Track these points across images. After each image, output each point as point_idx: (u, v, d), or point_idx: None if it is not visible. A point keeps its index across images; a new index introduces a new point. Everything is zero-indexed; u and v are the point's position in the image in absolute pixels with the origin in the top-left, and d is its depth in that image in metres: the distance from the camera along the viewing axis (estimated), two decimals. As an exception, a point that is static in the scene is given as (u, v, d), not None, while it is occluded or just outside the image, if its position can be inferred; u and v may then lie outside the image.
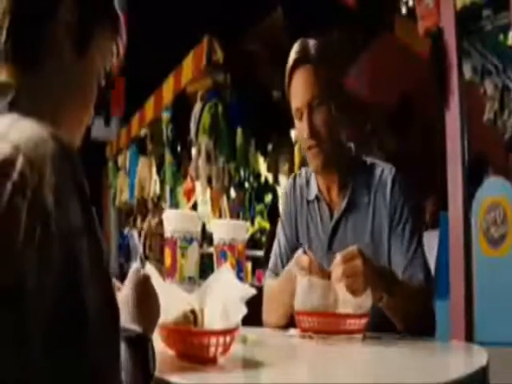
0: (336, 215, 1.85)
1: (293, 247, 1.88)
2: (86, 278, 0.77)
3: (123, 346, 0.94)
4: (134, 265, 1.22)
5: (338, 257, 1.55)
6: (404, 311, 1.66)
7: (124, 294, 1.10)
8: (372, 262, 1.59)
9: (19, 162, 0.76)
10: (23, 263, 0.73)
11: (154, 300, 1.14)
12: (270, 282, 1.93)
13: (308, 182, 1.95)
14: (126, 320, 1.03)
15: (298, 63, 1.77)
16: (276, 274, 1.92)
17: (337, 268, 1.53)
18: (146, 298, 1.12)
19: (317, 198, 1.90)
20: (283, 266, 1.89)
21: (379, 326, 1.65)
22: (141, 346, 1.00)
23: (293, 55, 1.79)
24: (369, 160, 1.92)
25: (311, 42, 1.80)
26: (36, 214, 0.74)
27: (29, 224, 0.74)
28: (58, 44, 0.96)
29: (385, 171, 1.85)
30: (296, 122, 1.82)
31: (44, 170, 0.76)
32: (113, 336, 0.81)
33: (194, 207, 6.34)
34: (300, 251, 1.66)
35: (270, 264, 1.98)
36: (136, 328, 1.02)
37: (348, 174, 1.87)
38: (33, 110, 0.89)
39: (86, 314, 0.76)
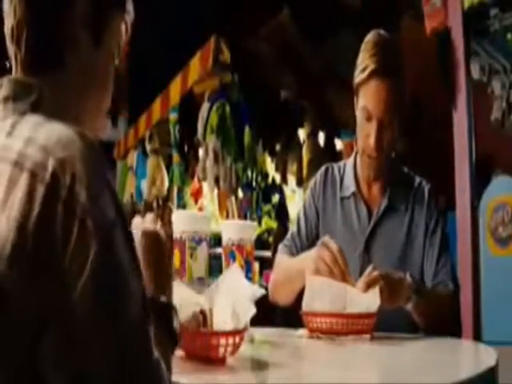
0: (376, 215, 1.90)
1: (309, 236, 1.96)
2: (125, 265, 0.79)
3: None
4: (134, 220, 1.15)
5: (361, 286, 1.60)
6: (431, 314, 1.72)
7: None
8: (393, 278, 1.65)
9: (50, 164, 0.78)
10: (63, 261, 0.75)
11: (167, 257, 1.11)
12: (285, 259, 1.98)
13: (342, 180, 1.98)
14: None
15: (376, 73, 1.80)
16: (290, 252, 1.97)
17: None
18: (158, 258, 1.08)
19: (353, 194, 1.94)
20: (298, 248, 1.95)
21: (393, 327, 1.67)
22: (166, 314, 1.00)
23: (372, 64, 1.81)
24: (405, 169, 2.01)
25: (390, 49, 1.84)
26: (72, 212, 0.76)
27: (66, 222, 0.76)
28: (76, 38, 0.97)
29: (422, 182, 1.96)
30: (361, 119, 1.86)
31: (75, 168, 0.78)
32: (146, 316, 0.82)
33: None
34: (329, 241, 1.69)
35: (286, 240, 2.03)
36: (159, 297, 1.02)
37: (389, 175, 1.95)
38: (57, 103, 0.91)
39: (128, 299, 0.78)
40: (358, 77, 1.83)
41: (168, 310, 1.01)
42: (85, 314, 0.75)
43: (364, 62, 1.82)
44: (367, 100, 1.82)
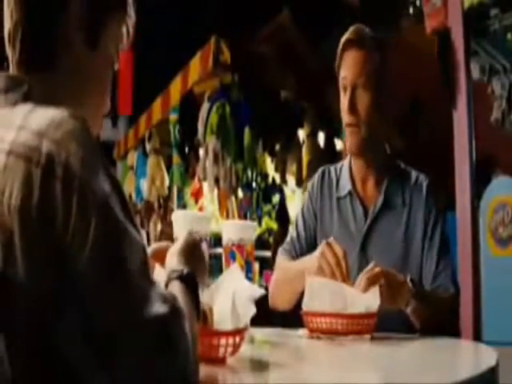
0: (372, 213, 1.88)
1: (308, 239, 1.96)
2: (124, 231, 0.82)
3: (177, 283, 1.01)
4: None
5: (363, 280, 1.59)
6: (430, 318, 1.71)
7: (177, 245, 1.16)
8: (395, 278, 1.63)
9: (44, 146, 0.80)
10: (65, 238, 0.77)
11: (204, 260, 1.20)
12: (285, 262, 1.97)
13: (338, 181, 1.97)
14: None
15: (352, 43, 1.83)
16: (290, 256, 1.96)
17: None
18: (197, 255, 1.17)
19: (349, 193, 1.92)
20: (297, 251, 1.95)
21: (391, 329, 1.67)
22: (192, 282, 1.04)
23: (348, 34, 1.85)
24: (402, 164, 1.97)
25: (367, 29, 1.87)
26: (70, 186, 0.78)
27: (65, 198, 0.78)
28: (71, 40, 0.98)
29: (420, 177, 1.91)
30: (341, 95, 1.87)
31: (70, 146, 0.80)
32: (148, 278, 0.85)
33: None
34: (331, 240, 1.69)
35: (286, 244, 2.02)
36: (186, 268, 1.07)
37: (384, 171, 1.90)
38: (49, 98, 0.92)
39: (127, 266, 0.81)
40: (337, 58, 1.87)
41: (194, 280, 1.05)
42: (94, 285, 0.78)
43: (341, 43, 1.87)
44: (344, 69, 1.85)
